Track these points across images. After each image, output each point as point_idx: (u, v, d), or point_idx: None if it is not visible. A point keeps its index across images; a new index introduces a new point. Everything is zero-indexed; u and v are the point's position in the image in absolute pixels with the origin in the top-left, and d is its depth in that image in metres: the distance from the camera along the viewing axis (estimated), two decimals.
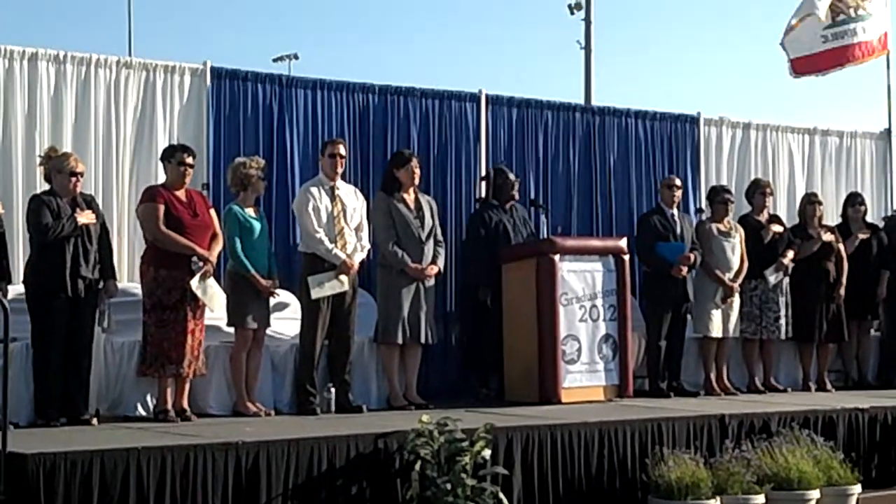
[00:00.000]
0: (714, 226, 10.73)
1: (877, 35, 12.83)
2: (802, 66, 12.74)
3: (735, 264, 10.66)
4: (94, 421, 7.91)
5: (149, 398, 8.40)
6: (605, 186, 11.42)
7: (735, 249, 10.69)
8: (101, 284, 8.13)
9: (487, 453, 7.31)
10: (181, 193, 8.46)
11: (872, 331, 11.72)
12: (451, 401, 9.21)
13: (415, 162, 9.50)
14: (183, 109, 9.59)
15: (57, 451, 6.39)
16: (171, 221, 8.31)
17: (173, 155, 8.53)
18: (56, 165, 8.13)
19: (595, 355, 9.54)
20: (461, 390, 9.94)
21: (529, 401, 9.20)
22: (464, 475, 7.15)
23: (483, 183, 10.47)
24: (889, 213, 12.66)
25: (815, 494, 8.24)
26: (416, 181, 9.51)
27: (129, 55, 10.41)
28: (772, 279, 10.76)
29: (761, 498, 8.06)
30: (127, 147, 9.36)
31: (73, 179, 8.07)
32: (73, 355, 7.93)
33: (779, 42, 12.70)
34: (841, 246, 11.21)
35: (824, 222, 11.47)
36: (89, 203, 8.19)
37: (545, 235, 9.93)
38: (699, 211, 11.28)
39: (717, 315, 10.54)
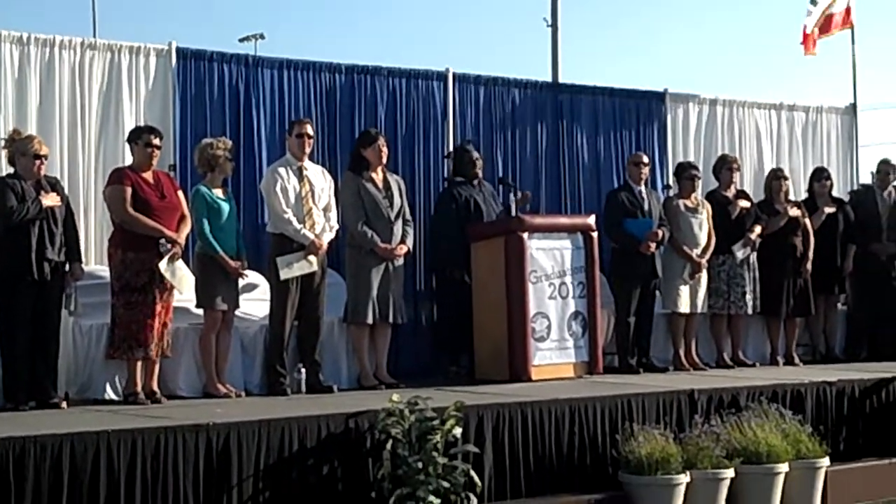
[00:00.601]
0: (681, 202, 10.76)
1: (838, 10, 12.86)
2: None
3: (702, 240, 10.70)
4: (64, 404, 7.89)
5: (118, 381, 8.36)
6: (572, 164, 11.45)
7: (702, 225, 10.73)
8: (67, 267, 8.10)
9: (458, 431, 7.31)
10: (148, 175, 8.41)
11: (839, 305, 11.81)
12: (421, 380, 9.21)
13: (382, 141, 9.48)
14: (149, 91, 9.54)
15: (26, 436, 6.36)
16: (139, 203, 8.26)
17: (140, 136, 8.48)
18: (20, 148, 8.07)
19: (565, 332, 9.55)
20: (431, 369, 9.96)
21: (499, 379, 9.21)
22: (435, 453, 7.16)
23: (448, 161, 10.47)
24: (855, 188, 12.75)
25: (783, 468, 8.31)
26: (384, 160, 9.49)
27: (94, 36, 10.33)
28: (739, 254, 10.81)
29: (731, 472, 8.12)
30: (93, 129, 9.31)
31: (38, 162, 8.03)
32: (40, 339, 7.89)
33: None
34: (807, 221, 11.28)
35: (790, 197, 11.53)
36: (54, 185, 8.15)
37: (514, 213, 9.94)
38: (667, 187, 11.31)
39: (684, 291, 10.59)
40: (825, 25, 12.80)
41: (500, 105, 11.09)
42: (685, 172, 10.92)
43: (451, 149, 10.60)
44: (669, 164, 11.74)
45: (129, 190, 8.26)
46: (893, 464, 9.27)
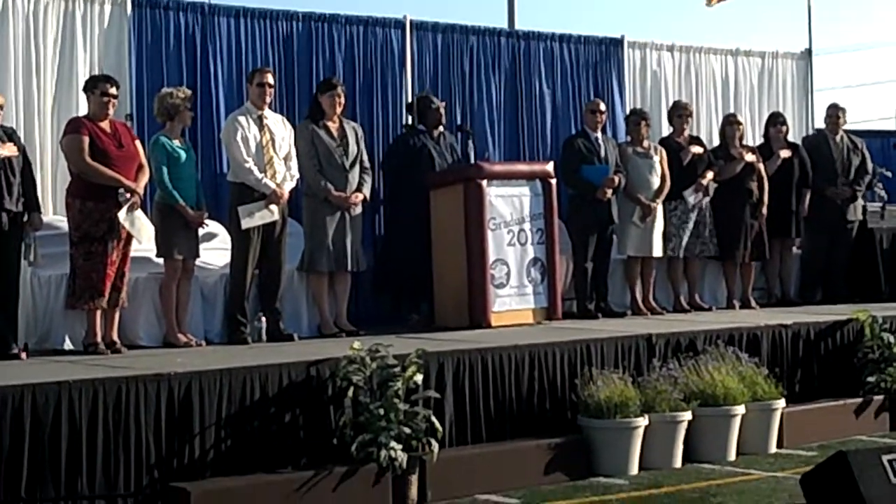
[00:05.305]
0: (633, 147, 10.81)
1: None
2: None
3: (654, 184, 10.74)
4: (23, 355, 7.86)
5: (77, 331, 8.34)
6: (530, 111, 11.45)
7: (654, 169, 10.76)
8: (25, 217, 8.06)
9: (419, 378, 7.37)
10: (105, 125, 8.36)
11: (794, 249, 11.92)
12: (381, 327, 9.25)
13: (339, 90, 9.42)
14: (104, 40, 9.45)
15: None
16: (97, 153, 8.21)
17: (96, 86, 8.41)
18: None
19: (524, 279, 9.61)
20: (392, 317, 9.99)
21: (460, 326, 9.26)
22: (396, 400, 7.22)
23: (408, 110, 10.46)
24: (810, 133, 12.83)
25: (740, 410, 8.43)
26: (338, 110, 9.43)
27: None
28: (691, 200, 10.89)
29: (688, 415, 8.23)
30: (48, 79, 9.22)
31: None
32: None
33: None
34: (762, 166, 11.35)
35: (746, 142, 11.60)
36: (10, 136, 8.09)
37: (473, 161, 9.96)
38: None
39: (636, 234, 10.64)
40: None
41: (457, 52, 11.07)
42: (634, 118, 10.97)
43: (409, 97, 10.59)
44: (627, 110, 11.77)
45: (86, 139, 8.20)
46: (847, 405, 9.42)
